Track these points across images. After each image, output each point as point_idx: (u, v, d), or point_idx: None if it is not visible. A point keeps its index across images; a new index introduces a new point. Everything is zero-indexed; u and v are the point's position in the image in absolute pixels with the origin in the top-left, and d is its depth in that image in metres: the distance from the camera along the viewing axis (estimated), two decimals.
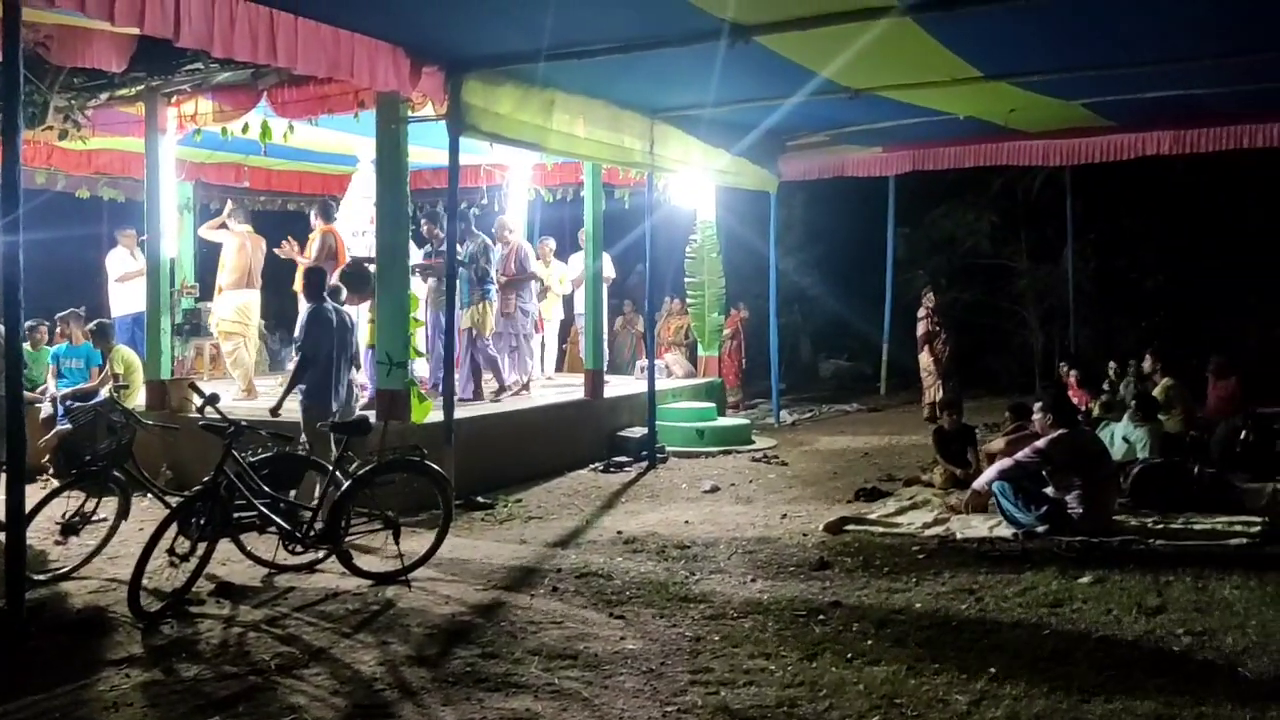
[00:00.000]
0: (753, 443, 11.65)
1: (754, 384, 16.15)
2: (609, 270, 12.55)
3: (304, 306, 8.00)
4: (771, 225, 13.70)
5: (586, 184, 11.35)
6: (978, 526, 7.33)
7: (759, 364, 15.70)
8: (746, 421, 12.60)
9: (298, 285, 9.96)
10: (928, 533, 7.26)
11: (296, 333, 7.74)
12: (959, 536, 7.15)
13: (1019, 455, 7.38)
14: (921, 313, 13.84)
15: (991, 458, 8.11)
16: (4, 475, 6.13)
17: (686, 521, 7.85)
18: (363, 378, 8.85)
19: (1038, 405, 7.82)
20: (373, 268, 8.98)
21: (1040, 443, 7.34)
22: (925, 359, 13.63)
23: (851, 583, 6.13)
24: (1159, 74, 8.73)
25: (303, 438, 7.42)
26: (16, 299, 5.44)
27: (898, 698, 4.32)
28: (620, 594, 5.92)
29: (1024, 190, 17.32)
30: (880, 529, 7.42)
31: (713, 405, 12.37)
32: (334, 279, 8.67)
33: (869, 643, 5.04)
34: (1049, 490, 7.27)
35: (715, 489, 9.11)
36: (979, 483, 7.66)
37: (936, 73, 8.67)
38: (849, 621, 5.37)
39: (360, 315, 9.03)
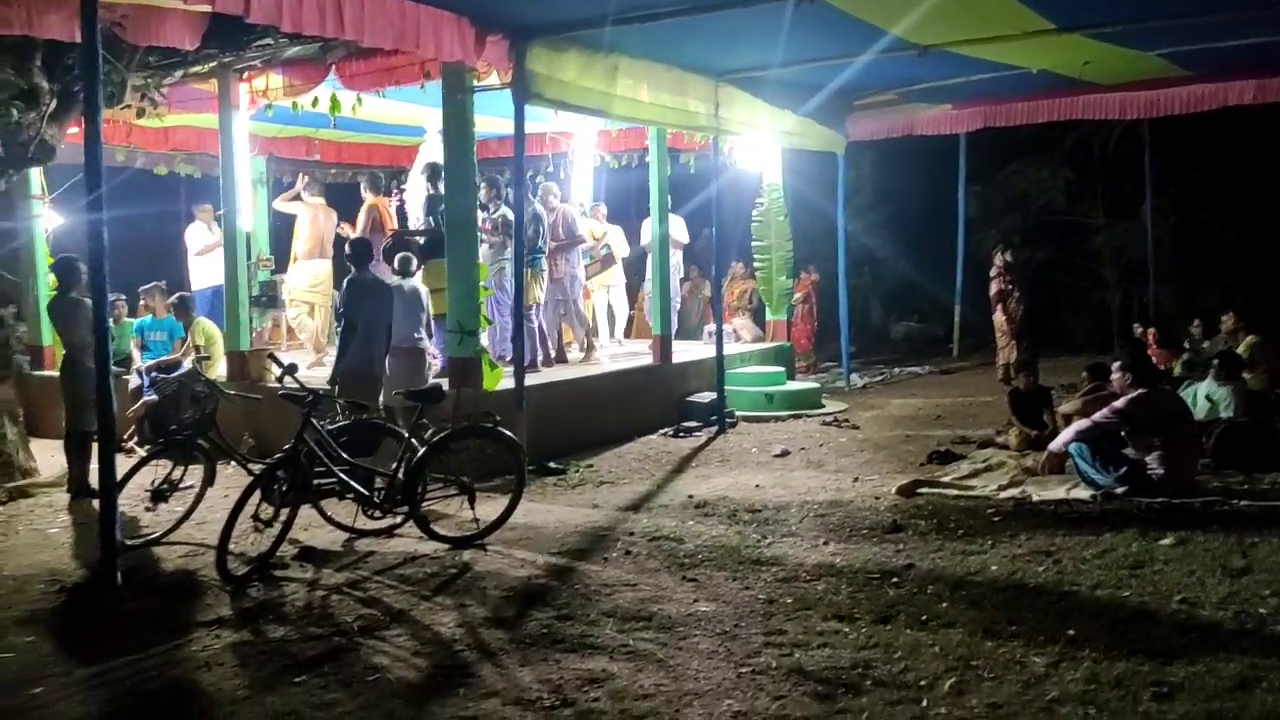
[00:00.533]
0: (823, 406, 11.59)
1: (824, 348, 16.04)
2: (681, 234, 12.46)
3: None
4: (839, 186, 13.53)
5: (651, 149, 11.30)
6: (1054, 488, 7.23)
7: (829, 327, 15.58)
8: (816, 385, 12.53)
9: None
10: (1003, 495, 7.18)
11: (337, 302, 7.89)
12: (1035, 499, 7.05)
13: (1097, 416, 7.25)
14: (994, 272, 13.60)
15: (1068, 419, 7.97)
16: (96, 445, 6.36)
17: (757, 485, 7.85)
18: (432, 346, 8.98)
19: (1116, 365, 7.66)
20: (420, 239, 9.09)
21: (1119, 403, 7.20)
22: (999, 319, 13.41)
23: (925, 546, 6.09)
24: (1240, 21, 8.41)
25: (379, 405, 7.57)
26: (101, 275, 5.62)
27: (974, 660, 4.30)
28: (692, 557, 5.96)
29: (1100, 145, 16.86)
30: (954, 492, 7.35)
31: (782, 369, 12.32)
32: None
33: (944, 605, 5.01)
34: (1128, 451, 7.14)
35: (785, 453, 9.09)
36: (1056, 444, 7.55)
37: (1008, 26, 8.45)
38: (923, 584, 5.35)
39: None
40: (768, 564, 5.78)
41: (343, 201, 11.58)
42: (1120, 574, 5.41)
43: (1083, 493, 7.07)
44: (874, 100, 12.48)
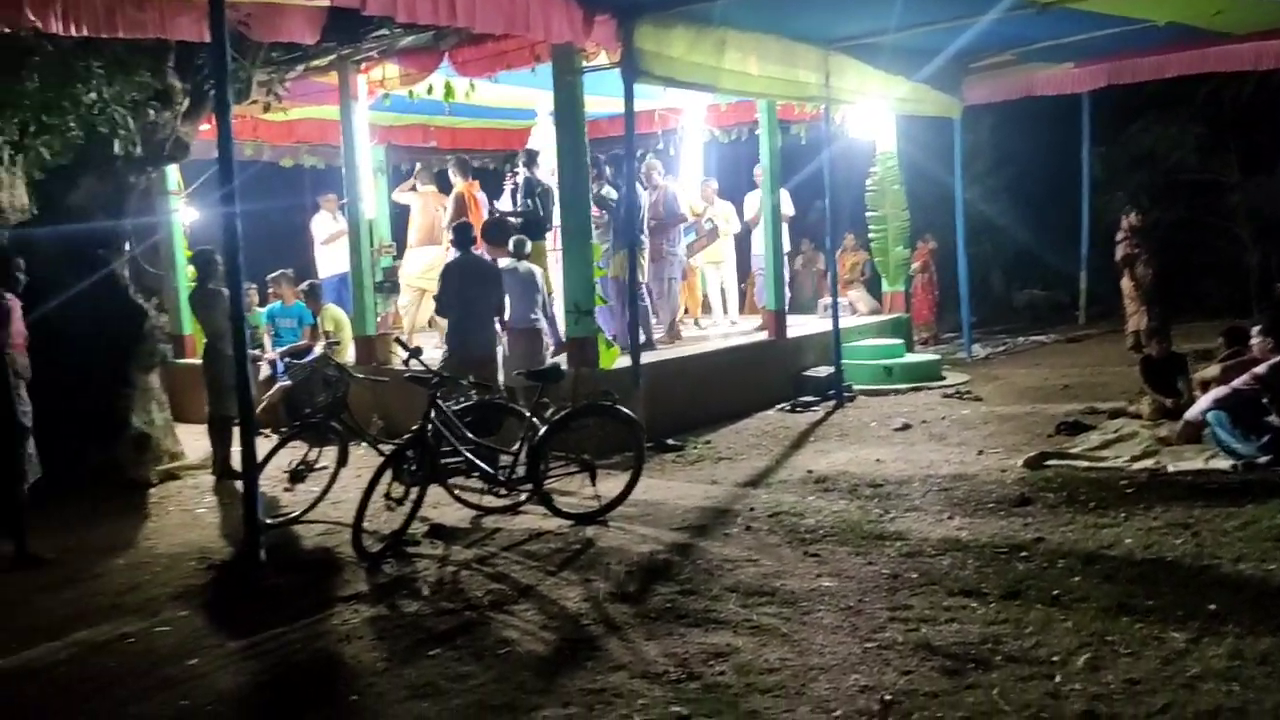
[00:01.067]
0: (944, 378, 11.37)
1: (944, 318, 15.70)
2: (788, 207, 12.30)
3: None
4: (956, 152, 13.18)
5: (761, 121, 11.20)
6: (1191, 459, 6.96)
7: (948, 297, 15.22)
8: (937, 357, 12.30)
9: None
10: (1136, 466, 6.94)
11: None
12: (1171, 469, 6.80)
13: (1236, 382, 6.95)
14: (1120, 235, 13.06)
15: (1205, 386, 7.65)
16: (237, 428, 6.67)
17: (878, 460, 7.77)
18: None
19: (1256, 328, 7.33)
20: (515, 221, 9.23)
21: (1260, 368, 6.88)
22: (1126, 284, 12.89)
23: (1055, 519, 5.94)
24: None
25: (501, 385, 7.74)
26: (237, 265, 5.86)
27: (1109, 635, 4.19)
28: (814, 532, 5.94)
29: (1232, 98, 15.94)
30: (1084, 463, 7.14)
31: (900, 341, 12.12)
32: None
33: (1076, 579, 4.89)
34: (1271, 419, 6.81)
35: (906, 426, 8.96)
36: (1192, 412, 7.27)
37: None
38: (1054, 558, 5.23)
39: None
40: (891, 539, 5.72)
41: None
42: (1264, 547, 5.19)
43: (1222, 463, 6.78)
44: (990, 62, 12.09)
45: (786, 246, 12.13)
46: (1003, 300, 18.48)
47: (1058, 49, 11.28)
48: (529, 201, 10.32)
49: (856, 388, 10.79)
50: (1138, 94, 14.75)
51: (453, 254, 8.61)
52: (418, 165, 12.49)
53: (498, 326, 8.20)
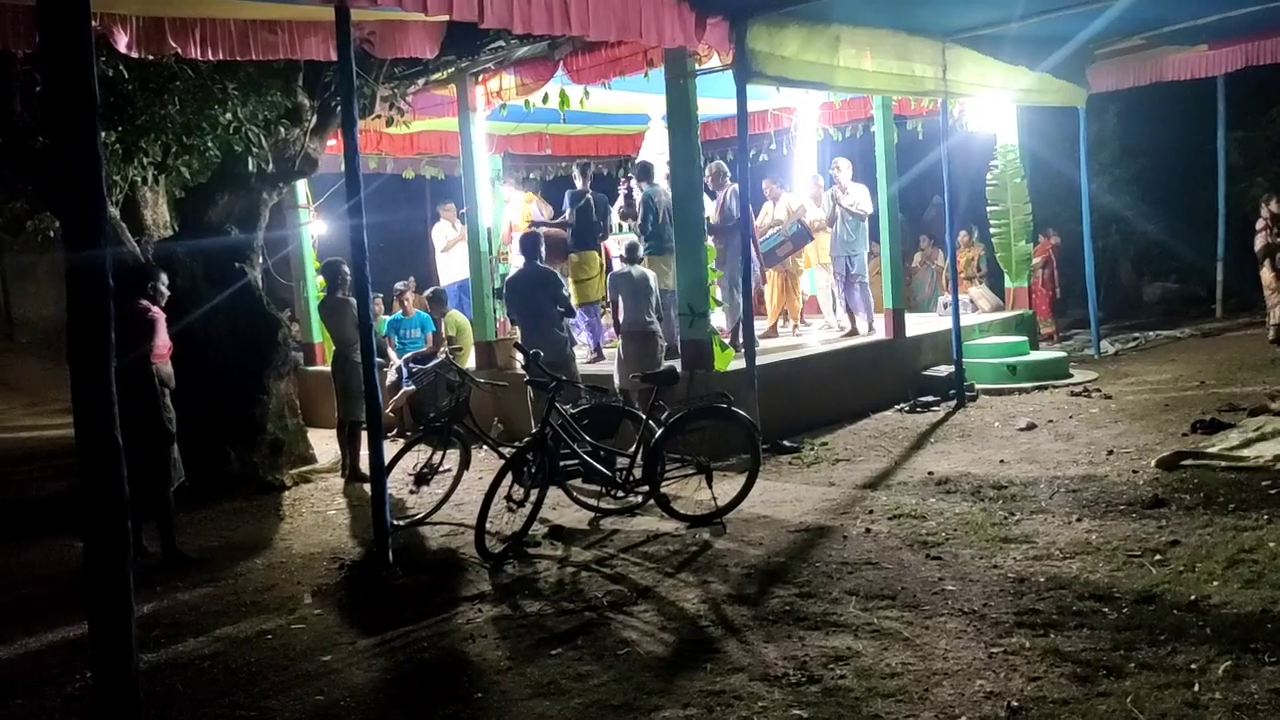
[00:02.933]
0: (1071, 376, 11.00)
1: (1069, 314, 15.21)
2: (866, 204, 11.73)
3: None
4: (1081, 142, 12.73)
5: (876, 118, 11.04)
6: None
7: (1074, 293, 14.75)
8: (1063, 354, 11.91)
9: None
10: (1279, 466, 6.61)
11: None
12: None
13: None
14: (1260, 224, 12.42)
15: None
16: (365, 433, 6.90)
17: (1002, 460, 7.58)
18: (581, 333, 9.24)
19: None
20: (544, 230, 9.46)
21: None
22: (1267, 275, 12.24)
23: (1191, 521, 5.70)
24: None
25: (616, 387, 7.83)
26: (364, 275, 6.07)
27: (1252, 642, 4.00)
28: (935, 535, 5.83)
29: None
30: (1223, 463, 6.82)
31: (1024, 339, 11.77)
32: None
33: (1215, 584, 4.69)
34: None
35: (1031, 426, 8.71)
36: None
37: None
38: (1191, 562, 5.02)
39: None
40: (1017, 541, 5.58)
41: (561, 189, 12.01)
42: None
43: None
44: (1118, 47, 11.68)
45: (870, 245, 11.72)
46: (1133, 294, 17.79)
47: (1190, 31, 10.81)
48: (570, 212, 10.60)
49: (979, 387, 10.54)
50: (1278, 75, 14.02)
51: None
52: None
53: (569, 331, 8.45)
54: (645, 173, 10.26)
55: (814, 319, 12.49)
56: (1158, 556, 5.15)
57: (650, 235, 10.06)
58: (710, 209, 10.15)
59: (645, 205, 10.17)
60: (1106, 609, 4.51)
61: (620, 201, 11.35)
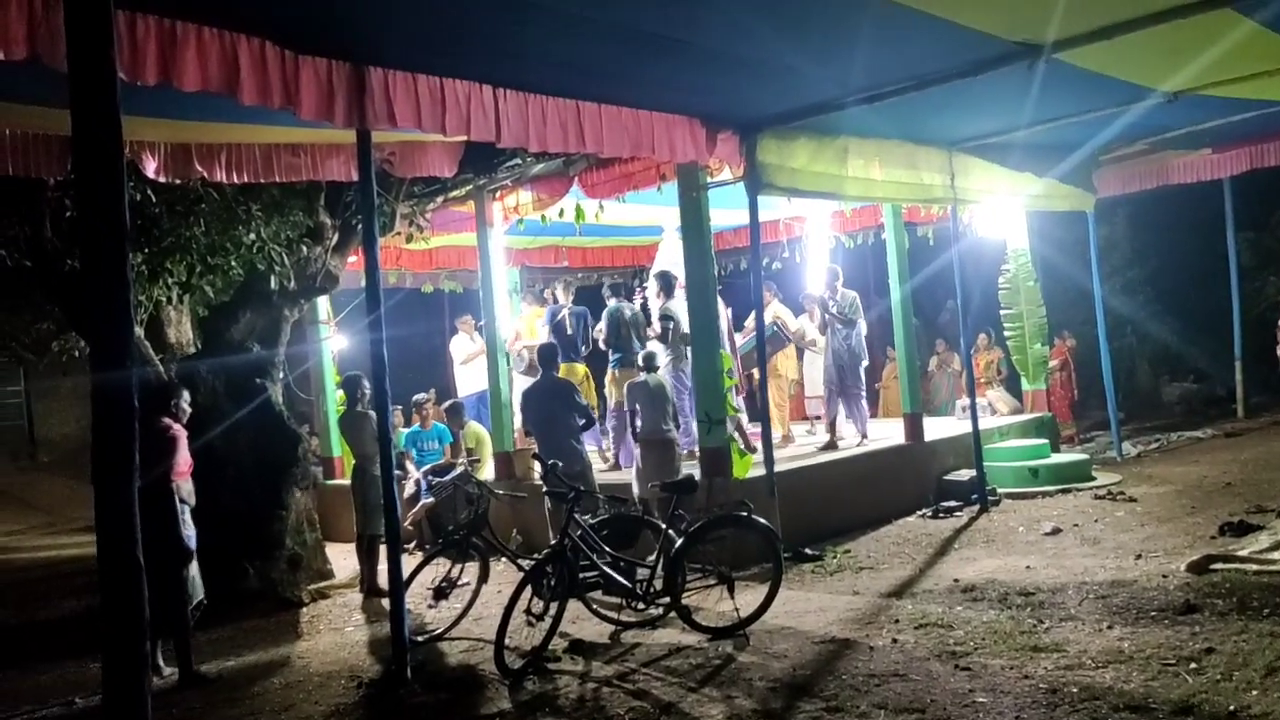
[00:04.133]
0: (1094, 479, 10.89)
1: (1088, 415, 15.13)
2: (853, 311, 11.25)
3: None
4: (1092, 245, 12.86)
5: (887, 225, 11.22)
6: None
7: (1092, 394, 14.69)
8: (1085, 456, 11.82)
9: None
10: None
11: None
12: None
13: None
14: None
15: None
16: (383, 547, 6.87)
17: (1028, 566, 7.46)
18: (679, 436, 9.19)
19: None
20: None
21: None
22: None
23: (1226, 627, 5.56)
24: None
25: (635, 497, 7.79)
26: (384, 390, 6.13)
27: None
28: (964, 644, 5.71)
29: None
30: (1254, 566, 6.68)
31: (1045, 441, 11.70)
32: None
33: (1254, 693, 4.56)
34: None
35: (1057, 530, 8.59)
36: None
37: (1267, 61, 7.88)
38: (1228, 670, 4.88)
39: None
40: (1047, 650, 5.46)
41: (590, 302, 12.13)
42: None
43: None
44: (1123, 152, 11.88)
45: (887, 351, 11.63)
46: (1152, 395, 17.72)
47: (1193, 135, 11.01)
48: (549, 328, 11.04)
49: (1000, 491, 10.43)
50: None
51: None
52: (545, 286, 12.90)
53: (585, 442, 8.57)
54: (666, 283, 10.38)
55: (799, 425, 12.54)
56: (1193, 665, 5.02)
57: (615, 349, 10.50)
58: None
59: (607, 320, 10.61)
60: None
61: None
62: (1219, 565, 6.77)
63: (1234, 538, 7.58)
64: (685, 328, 9.95)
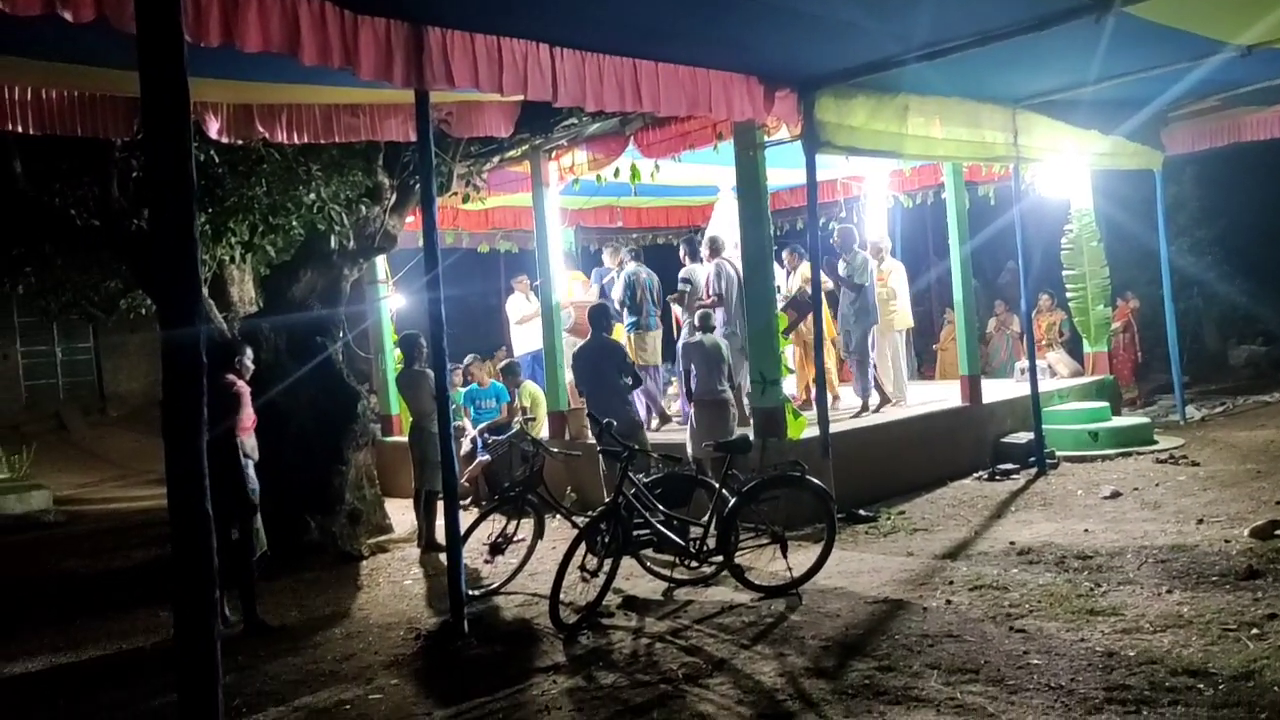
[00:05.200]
0: (1156, 442, 10.71)
1: (1152, 378, 14.84)
2: (861, 276, 10.89)
3: None
4: (1159, 205, 12.54)
5: (947, 184, 11.04)
6: None
7: (1156, 356, 14.42)
8: (1146, 420, 11.62)
9: None
10: None
11: None
12: None
13: None
14: None
15: None
16: (441, 503, 6.99)
17: (1086, 530, 7.38)
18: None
19: None
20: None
21: None
22: None
23: None
24: None
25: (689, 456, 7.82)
26: (441, 348, 6.21)
27: None
28: (1019, 606, 5.69)
29: None
30: None
31: (1106, 404, 11.51)
32: None
33: None
34: None
35: (1116, 494, 8.48)
36: None
37: None
38: None
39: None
40: (1104, 614, 5.42)
41: (653, 262, 12.10)
42: None
43: None
44: (1193, 109, 11.54)
45: (946, 313, 11.33)
46: (1218, 358, 17.32)
47: (1267, 91, 10.64)
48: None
49: (1059, 454, 10.31)
50: None
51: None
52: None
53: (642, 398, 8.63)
54: (713, 246, 10.35)
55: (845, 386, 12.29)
56: (1254, 630, 4.95)
57: (631, 312, 10.63)
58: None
59: (625, 285, 10.71)
60: (1202, 685, 4.34)
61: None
62: None
63: None
64: (701, 292, 10.28)
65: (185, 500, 3.48)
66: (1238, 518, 7.25)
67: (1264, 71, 9.39)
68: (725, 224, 11.20)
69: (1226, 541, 6.65)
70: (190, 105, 3.61)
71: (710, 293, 10.23)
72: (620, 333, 10.84)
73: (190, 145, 3.56)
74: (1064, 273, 12.91)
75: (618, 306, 10.78)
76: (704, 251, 10.68)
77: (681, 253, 11.31)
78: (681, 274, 10.86)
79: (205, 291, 8.88)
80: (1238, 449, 10.15)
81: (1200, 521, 7.29)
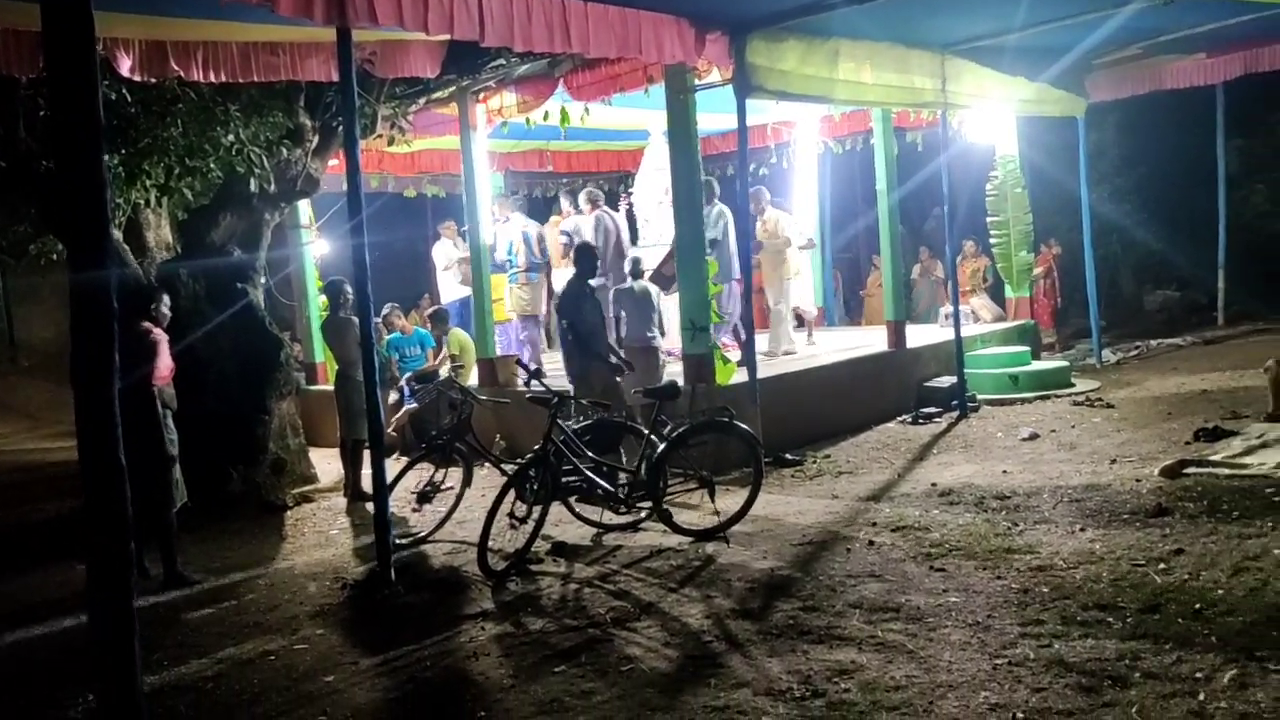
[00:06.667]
0: (1073, 385, 11.00)
1: (1071, 323, 15.20)
2: (797, 233, 11.77)
3: None
4: (1081, 152, 12.75)
5: (876, 130, 11.10)
6: None
7: (1075, 302, 14.75)
8: (1065, 363, 11.91)
9: None
10: None
11: None
12: None
13: None
14: None
15: None
16: (368, 452, 6.92)
17: (1004, 471, 7.57)
18: (667, 344, 9.22)
19: None
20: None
21: None
22: None
23: (1195, 529, 5.69)
24: None
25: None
26: (366, 295, 6.09)
27: (1257, 650, 3.99)
28: (939, 546, 5.82)
29: None
30: (1226, 470, 6.82)
31: (1026, 349, 11.78)
32: None
33: (1220, 593, 4.68)
34: None
35: (1034, 436, 8.71)
36: None
37: None
38: (1195, 570, 5.01)
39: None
40: (1020, 552, 5.57)
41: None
42: None
43: None
44: (1116, 57, 11.70)
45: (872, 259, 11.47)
46: (1134, 303, 17.79)
47: (1188, 39, 10.83)
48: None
49: (981, 397, 10.54)
50: (1277, 82, 14.04)
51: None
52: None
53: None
54: (591, 198, 10.83)
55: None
56: (1162, 565, 5.14)
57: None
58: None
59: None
60: (1111, 619, 4.50)
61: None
62: (1192, 470, 6.91)
63: (1208, 443, 7.71)
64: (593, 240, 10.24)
65: (96, 450, 3.37)
66: (1149, 457, 7.48)
67: (1184, 19, 9.55)
68: (654, 169, 11.14)
69: (1138, 480, 6.87)
70: (97, 39, 3.44)
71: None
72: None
73: (96, 81, 3.39)
74: (988, 219, 13.10)
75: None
76: (583, 204, 10.72)
77: (565, 205, 11.29)
78: (563, 226, 11.04)
79: (119, 236, 8.60)
80: (1150, 392, 10.47)
81: (1113, 462, 7.52)
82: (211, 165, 8.28)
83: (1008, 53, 10.11)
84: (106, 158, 4.24)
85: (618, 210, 12.02)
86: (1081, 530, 5.88)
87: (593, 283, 8.41)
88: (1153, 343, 14.19)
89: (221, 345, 8.82)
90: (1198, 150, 15.63)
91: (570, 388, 7.63)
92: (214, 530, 7.96)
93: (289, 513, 8.55)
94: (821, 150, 13.82)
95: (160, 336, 6.72)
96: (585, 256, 8.16)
